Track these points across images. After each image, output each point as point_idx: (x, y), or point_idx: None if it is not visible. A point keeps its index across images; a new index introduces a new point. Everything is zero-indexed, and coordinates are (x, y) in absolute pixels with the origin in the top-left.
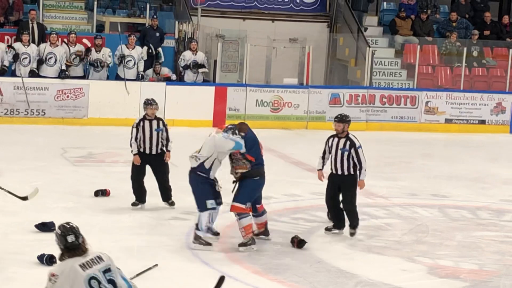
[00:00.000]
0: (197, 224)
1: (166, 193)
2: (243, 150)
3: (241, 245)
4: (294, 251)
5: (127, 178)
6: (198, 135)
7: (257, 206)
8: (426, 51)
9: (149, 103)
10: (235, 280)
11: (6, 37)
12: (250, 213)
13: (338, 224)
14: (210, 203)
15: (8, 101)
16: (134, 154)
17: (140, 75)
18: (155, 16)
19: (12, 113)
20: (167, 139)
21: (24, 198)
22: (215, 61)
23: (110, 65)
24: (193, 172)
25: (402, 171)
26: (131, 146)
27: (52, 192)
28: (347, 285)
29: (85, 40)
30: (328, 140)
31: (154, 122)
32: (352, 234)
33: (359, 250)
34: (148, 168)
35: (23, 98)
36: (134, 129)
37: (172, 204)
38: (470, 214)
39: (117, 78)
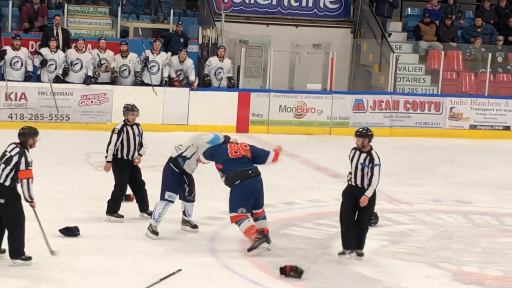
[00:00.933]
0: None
1: (143, 202)
2: (220, 141)
3: (249, 249)
4: (317, 257)
5: (151, 183)
6: None
7: (254, 211)
8: (450, 57)
9: (130, 108)
10: (258, 286)
11: (30, 42)
12: (248, 217)
13: (346, 243)
14: (168, 195)
15: (33, 106)
16: (108, 161)
17: (164, 81)
18: (180, 22)
19: (36, 118)
20: (141, 144)
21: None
22: (239, 67)
23: (137, 71)
24: (167, 163)
25: (426, 177)
26: (107, 152)
27: (76, 197)
28: None
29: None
30: (350, 151)
31: (135, 128)
32: (361, 255)
33: (383, 256)
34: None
35: (48, 103)
36: (115, 135)
37: (150, 214)
38: (495, 220)
39: (141, 82)
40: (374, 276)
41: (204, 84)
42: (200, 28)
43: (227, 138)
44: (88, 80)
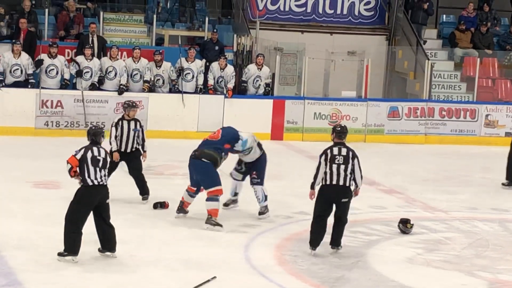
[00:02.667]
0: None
1: (143, 187)
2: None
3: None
4: (352, 265)
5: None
6: None
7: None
8: (486, 64)
9: (132, 105)
10: None
11: (66, 50)
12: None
13: (316, 242)
14: None
15: (69, 114)
16: (114, 151)
17: (199, 88)
18: (215, 30)
19: (72, 125)
20: (143, 139)
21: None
22: (274, 74)
23: (173, 79)
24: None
25: (461, 184)
26: (110, 144)
27: (112, 204)
28: None
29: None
30: (324, 152)
31: (132, 123)
32: (339, 248)
33: (418, 264)
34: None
35: (83, 111)
36: (113, 128)
37: (145, 199)
38: None
39: (177, 91)
40: (409, 284)
41: (240, 91)
42: (235, 35)
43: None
44: (121, 89)
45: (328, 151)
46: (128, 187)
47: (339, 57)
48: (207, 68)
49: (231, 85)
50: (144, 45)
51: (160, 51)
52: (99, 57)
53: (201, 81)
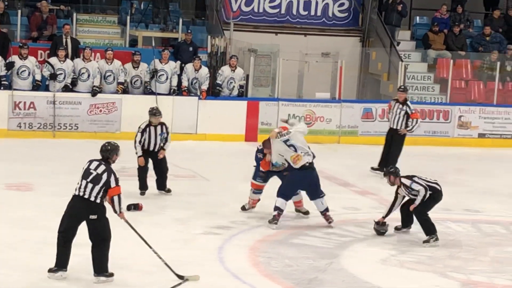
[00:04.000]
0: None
1: (163, 183)
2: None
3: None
4: (326, 266)
5: (159, 192)
6: (230, 150)
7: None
8: (459, 66)
9: (154, 113)
10: None
11: (39, 51)
12: None
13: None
14: None
15: (42, 115)
16: (139, 156)
17: (172, 90)
18: (189, 31)
19: (45, 127)
20: (166, 139)
21: (181, 277)
22: (248, 76)
23: (146, 80)
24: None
25: None
26: (135, 148)
27: None
28: None
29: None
30: None
31: (158, 128)
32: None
33: (392, 265)
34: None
35: (57, 113)
36: (140, 134)
37: (169, 191)
38: (504, 230)
39: (150, 92)
40: (383, 285)
41: (213, 93)
42: (209, 37)
43: None
44: (94, 91)
45: None
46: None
47: (313, 58)
48: (181, 69)
49: (205, 86)
50: (117, 47)
51: (138, 52)
52: (72, 59)
53: (175, 82)
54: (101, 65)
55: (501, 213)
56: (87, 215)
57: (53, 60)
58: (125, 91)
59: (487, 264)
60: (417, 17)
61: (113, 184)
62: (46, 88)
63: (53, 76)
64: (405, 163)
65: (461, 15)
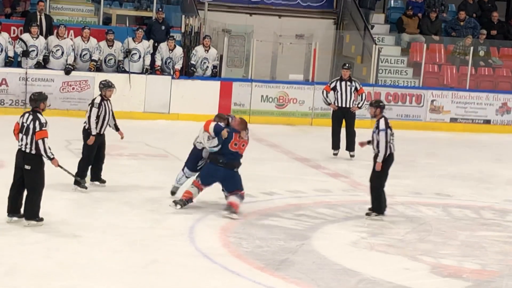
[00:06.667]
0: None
1: (99, 172)
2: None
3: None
4: (296, 248)
5: (130, 171)
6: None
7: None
8: (432, 50)
9: (109, 85)
10: (238, 276)
11: (12, 28)
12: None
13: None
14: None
15: (13, 92)
16: (93, 135)
17: (145, 69)
18: (160, 9)
19: (17, 103)
20: (114, 118)
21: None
22: (221, 56)
23: (120, 59)
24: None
25: (406, 169)
26: (89, 124)
27: (57, 183)
28: (349, 282)
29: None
30: None
31: (109, 103)
32: None
33: (362, 248)
34: None
35: (29, 90)
36: (96, 109)
37: (103, 182)
38: (474, 214)
39: (123, 71)
40: (353, 268)
41: (187, 73)
42: (183, 16)
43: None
44: (67, 68)
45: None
46: (74, 167)
47: (287, 40)
48: (155, 49)
49: (178, 66)
50: (91, 24)
51: (112, 31)
52: (46, 36)
53: (148, 61)
54: (77, 43)
55: (472, 198)
56: (23, 165)
57: (26, 36)
58: (98, 69)
59: (456, 248)
60: (392, 1)
61: (37, 128)
62: (19, 65)
63: (26, 53)
64: None
65: None
